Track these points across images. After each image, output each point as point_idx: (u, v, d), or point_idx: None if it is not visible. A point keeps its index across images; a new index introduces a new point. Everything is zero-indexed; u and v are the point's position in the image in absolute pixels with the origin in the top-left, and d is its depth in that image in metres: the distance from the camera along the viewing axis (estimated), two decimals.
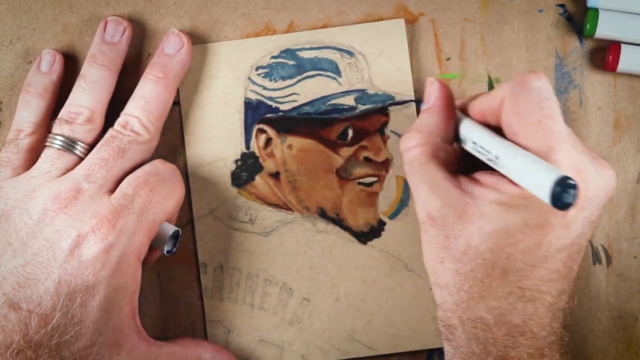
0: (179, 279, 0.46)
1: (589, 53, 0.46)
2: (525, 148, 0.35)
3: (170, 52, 0.43)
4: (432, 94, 0.39)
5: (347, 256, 0.46)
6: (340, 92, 0.45)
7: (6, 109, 0.45)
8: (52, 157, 0.40)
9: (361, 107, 0.45)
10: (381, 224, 0.46)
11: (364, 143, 0.45)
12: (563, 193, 0.31)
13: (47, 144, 0.41)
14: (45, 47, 0.45)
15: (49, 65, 0.43)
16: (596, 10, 0.45)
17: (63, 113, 0.42)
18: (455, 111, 0.39)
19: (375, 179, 0.45)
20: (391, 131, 0.45)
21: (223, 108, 0.45)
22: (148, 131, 0.42)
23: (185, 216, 0.45)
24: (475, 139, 0.37)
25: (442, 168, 0.37)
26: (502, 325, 0.36)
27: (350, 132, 0.45)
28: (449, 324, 0.38)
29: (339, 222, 0.46)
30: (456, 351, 0.38)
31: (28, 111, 0.42)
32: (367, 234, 0.46)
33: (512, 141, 0.36)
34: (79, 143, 0.41)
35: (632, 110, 0.46)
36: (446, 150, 0.38)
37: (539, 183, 0.32)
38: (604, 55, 0.46)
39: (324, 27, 0.46)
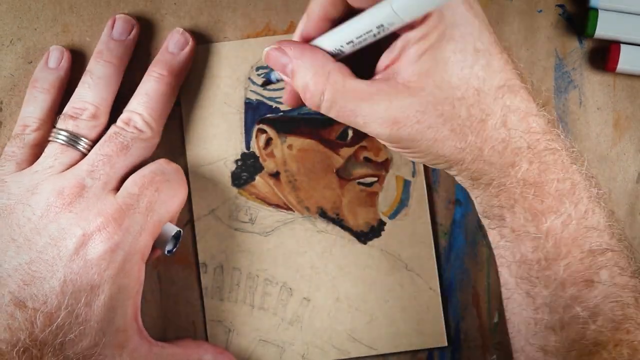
0: (179, 279, 0.46)
1: (589, 53, 0.46)
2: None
3: (174, 50, 0.43)
4: (282, 57, 0.37)
5: (347, 256, 0.46)
6: None
7: (6, 109, 0.45)
8: (55, 152, 0.40)
9: None
10: (381, 224, 0.46)
11: (363, 143, 0.45)
12: None
13: (51, 138, 0.41)
14: (46, 47, 0.45)
15: (56, 62, 0.43)
16: (596, 10, 0.45)
17: (68, 108, 0.42)
18: (309, 45, 0.37)
19: (375, 179, 0.46)
20: None
21: (223, 108, 0.45)
22: (151, 128, 0.42)
23: (185, 216, 0.45)
24: (347, 38, 0.36)
25: (360, 79, 0.36)
26: (519, 125, 0.36)
27: (350, 133, 0.45)
28: (498, 188, 0.37)
29: (339, 222, 0.46)
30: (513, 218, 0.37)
31: (34, 106, 0.42)
32: (367, 234, 0.46)
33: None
34: (82, 139, 0.41)
35: (632, 110, 0.46)
36: (345, 67, 0.36)
37: None
38: (604, 56, 0.46)
39: None
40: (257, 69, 0.45)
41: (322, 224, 0.46)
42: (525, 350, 0.38)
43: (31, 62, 0.45)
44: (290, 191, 0.45)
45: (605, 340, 0.36)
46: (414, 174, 0.46)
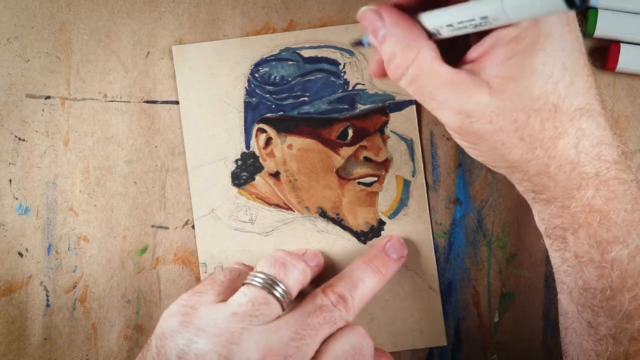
0: (179, 279, 0.46)
1: (589, 52, 0.46)
2: None
3: (394, 256, 0.44)
4: (377, 20, 0.36)
5: (347, 256, 0.46)
6: (341, 92, 0.45)
7: (4, 109, 0.45)
8: (253, 294, 0.38)
9: (361, 107, 0.45)
10: (381, 224, 0.46)
11: (363, 143, 0.45)
12: None
13: (247, 280, 0.39)
14: (43, 46, 0.44)
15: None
16: (596, 9, 0.45)
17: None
18: (407, 15, 0.36)
19: (375, 178, 0.45)
20: (391, 131, 0.45)
21: (223, 107, 0.45)
22: (353, 314, 0.40)
23: (185, 216, 0.45)
24: (448, 20, 0.34)
25: (447, 64, 0.35)
26: (591, 151, 0.35)
27: (350, 132, 0.45)
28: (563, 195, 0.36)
29: (339, 221, 0.46)
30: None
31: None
32: (367, 234, 0.46)
33: None
34: (279, 284, 0.39)
35: (631, 110, 0.46)
36: (436, 49, 0.35)
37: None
38: (604, 55, 0.46)
39: (324, 26, 0.45)
40: (257, 67, 0.45)
41: (322, 223, 0.45)
42: None
43: (28, 60, 0.45)
44: (290, 191, 0.45)
45: None
46: (413, 173, 0.46)
